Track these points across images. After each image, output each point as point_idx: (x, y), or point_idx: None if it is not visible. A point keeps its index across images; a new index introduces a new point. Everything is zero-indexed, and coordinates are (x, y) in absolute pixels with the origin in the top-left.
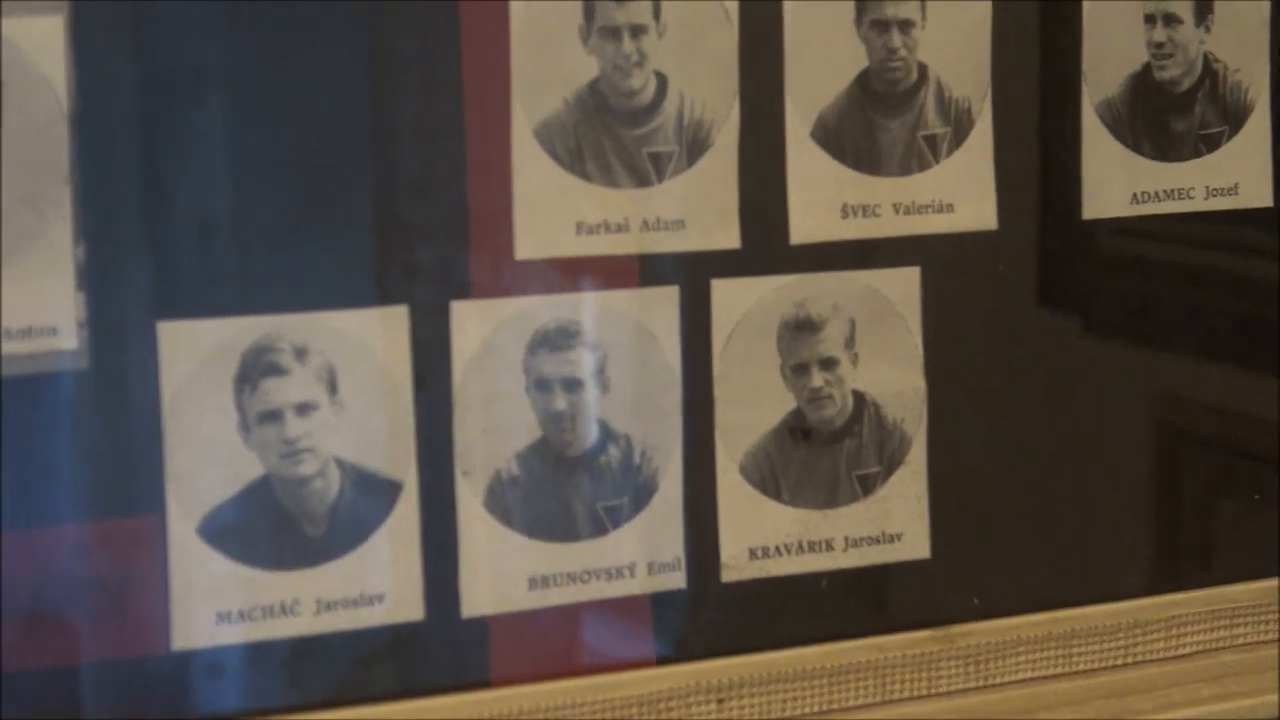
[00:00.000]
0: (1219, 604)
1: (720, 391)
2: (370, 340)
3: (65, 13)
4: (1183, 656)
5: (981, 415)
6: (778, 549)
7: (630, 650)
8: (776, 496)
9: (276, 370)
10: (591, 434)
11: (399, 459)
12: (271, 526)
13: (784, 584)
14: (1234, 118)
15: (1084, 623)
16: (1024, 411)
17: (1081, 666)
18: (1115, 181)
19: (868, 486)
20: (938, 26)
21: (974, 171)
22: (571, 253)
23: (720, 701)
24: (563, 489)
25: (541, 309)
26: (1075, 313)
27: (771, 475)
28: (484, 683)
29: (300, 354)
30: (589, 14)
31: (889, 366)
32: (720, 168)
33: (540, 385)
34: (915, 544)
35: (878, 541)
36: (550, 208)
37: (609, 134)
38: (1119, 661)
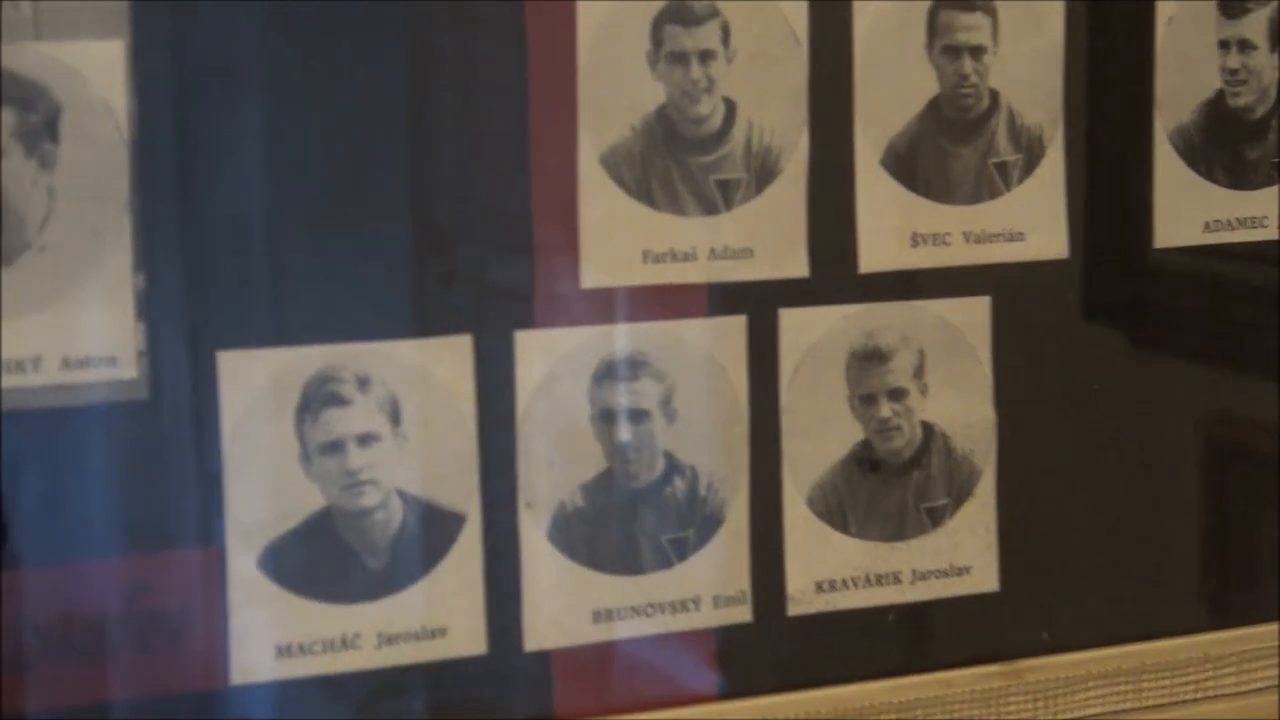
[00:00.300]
0: None
1: (787, 422)
2: (433, 370)
3: (126, 37)
4: (1254, 691)
5: (1051, 446)
6: (844, 582)
7: (694, 684)
8: (844, 529)
9: (338, 400)
10: (657, 465)
11: (462, 491)
12: (332, 559)
13: (850, 617)
14: None
15: (1155, 657)
16: (1094, 442)
17: (1152, 701)
18: (1188, 210)
19: (936, 519)
20: (1010, 52)
21: (1045, 199)
22: (638, 281)
23: None
24: (628, 521)
25: (607, 339)
26: (1147, 343)
27: (839, 507)
28: (547, 718)
29: (363, 384)
30: (657, 40)
31: (958, 397)
32: (789, 195)
33: (605, 416)
34: (984, 577)
35: (946, 574)
36: (617, 236)
37: (676, 161)
38: (1190, 697)
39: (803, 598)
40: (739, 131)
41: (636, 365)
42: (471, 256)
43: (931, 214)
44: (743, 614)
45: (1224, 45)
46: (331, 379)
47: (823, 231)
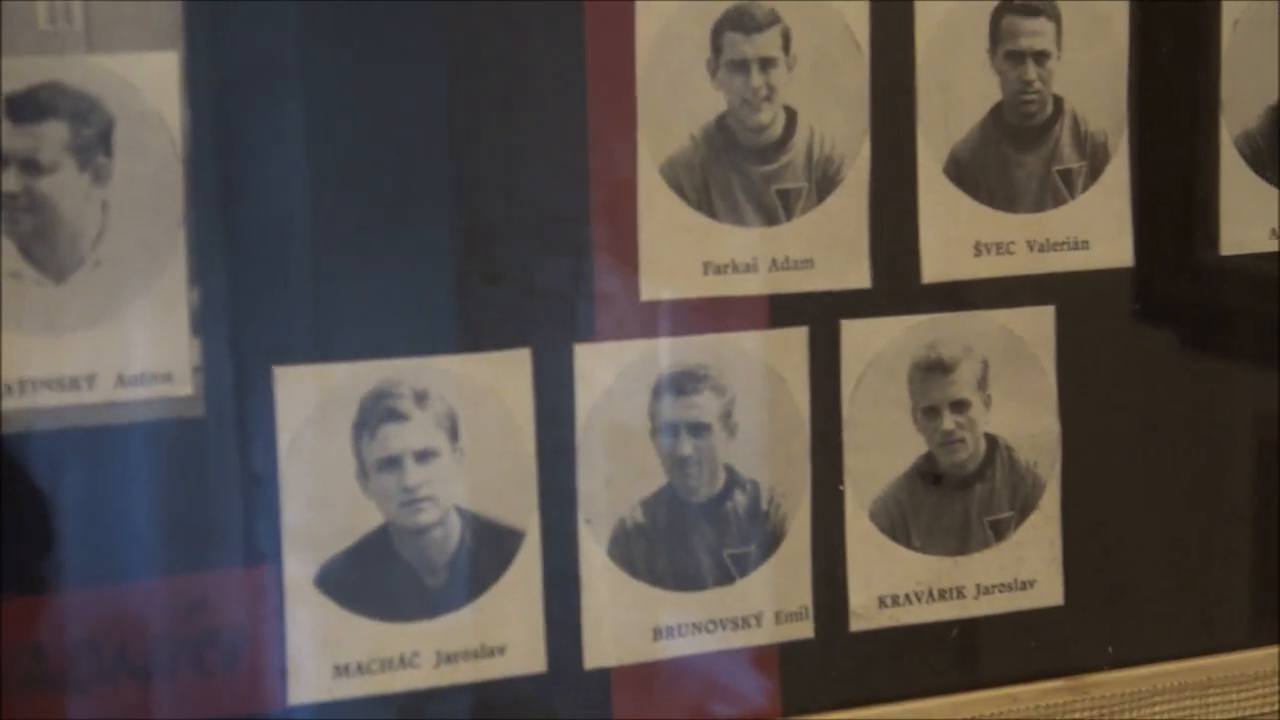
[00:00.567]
0: None
1: (849, 435)
2: (492, 385)
3: (180, 48)
4: None
5: (1117, 458)
6: (908, 597)
7: (756, 701)
8: (907, 543)
9: (396, 416)
10: (718, 480)
11: (521, 507)
12: (390, 577)
13: (913, 633)
14: None
15: (1221, 671)
16: (1161, 454)
17: (1219, 716)
18: (1254, 216)
19: (1000, 532)
20: (1073, 58)
21: (1110, 207)
22: (698, 293)
23: None
24: (688, 536)
25: (667, 351)
26: (1214, 353)
27: (902, 521)
28: None
29: (421, 399)
30: (717, 48)
31: (1022, 408)
32: (850, 205)
33: (666, 430)
34: (1048, 591)
35: (1010, 589)
36: (677, 247)
37: (737, 171)
38: (1257, 711)
39: (865, 613)
40: (800, 140)
41: (697, 378)
42: (531, 269)
43: (995, 223)
44: (805, 630)
45: None
46: (389, 394)
47: (884, 241)
